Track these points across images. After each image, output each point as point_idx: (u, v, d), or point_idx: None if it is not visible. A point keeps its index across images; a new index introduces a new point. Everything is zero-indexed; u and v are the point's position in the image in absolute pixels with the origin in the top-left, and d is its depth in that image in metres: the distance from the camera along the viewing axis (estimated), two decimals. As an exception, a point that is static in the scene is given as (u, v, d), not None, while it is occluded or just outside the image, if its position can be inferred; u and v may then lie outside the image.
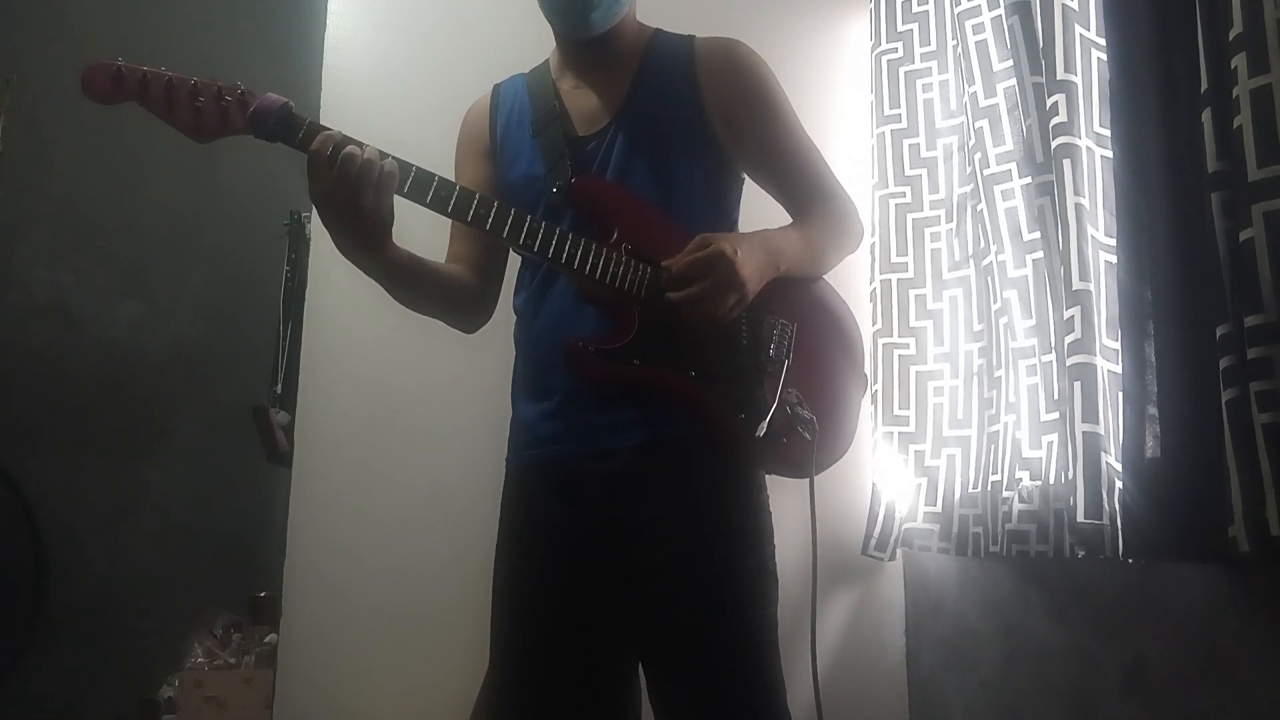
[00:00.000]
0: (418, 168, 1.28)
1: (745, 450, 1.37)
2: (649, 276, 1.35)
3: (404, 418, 2.38)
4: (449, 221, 1.42)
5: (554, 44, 1.56)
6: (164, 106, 1.21)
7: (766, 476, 1.45)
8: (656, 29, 1.55)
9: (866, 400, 2.42)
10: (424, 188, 1.27)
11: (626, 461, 1.36)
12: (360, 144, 1.22)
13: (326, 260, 2.42)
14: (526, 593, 1.41)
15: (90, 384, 3.51)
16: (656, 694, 1.35)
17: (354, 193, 1.20)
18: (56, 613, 3.35)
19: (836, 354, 1.48)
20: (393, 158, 1.25)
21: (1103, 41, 1.78)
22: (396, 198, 1.26)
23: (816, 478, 1.43)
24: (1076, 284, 1.71)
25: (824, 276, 1.53)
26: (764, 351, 1.39)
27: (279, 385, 3.17)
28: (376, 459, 2.35)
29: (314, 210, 2.05)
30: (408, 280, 1.39)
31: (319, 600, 2.29)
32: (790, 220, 1.52)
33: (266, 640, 2.81)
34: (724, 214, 1.51)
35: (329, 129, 1.23)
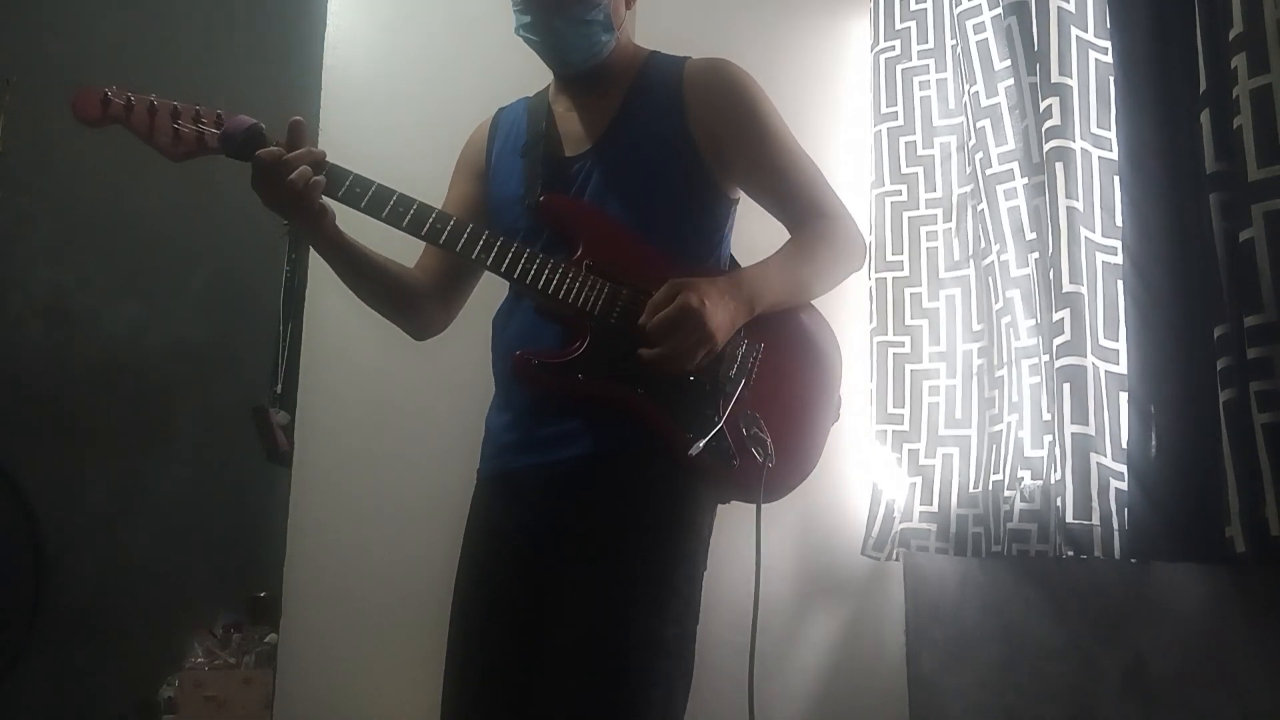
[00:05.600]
0: (378, 184, 1.34)
1: (696, 468, 1.34)
2: (606, 293, 1.36)
3: (404, 418, 2.38)
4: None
5: None
6: (145, 129, 1.32)
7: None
8: (653, 51, 1.56)
9: (869, 405, 2.42)
10: (381, 203, 1.34)
11: (569, 470, 1.37)
12: (301, 152, 1.31)
13: (326, 260, 2.42)
14: (479, 602, 1.43)
15: (90, 384, 3.50)
16: (540, 685, 1.32)
17: (280, 190, 1.31)
18: (56, 613, 3.34)
19: (806, 377, 1.45)
20: (341, 169, 1.34)
21: (1101, 43, 1.78)
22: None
23: (812, 478, 1.42)
24: (1067, 286, 1.72)
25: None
26: (723, 370, 1.37)
27: (279, 385, 3.16)
28: (376, 459, 2.36)
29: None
30: (352, 270, 1.47)
31: (319, 600, 2.29)
32: (789, 237, 1.51)
33: (266, 640, 2.81)
34: (708, 235, 1.50)
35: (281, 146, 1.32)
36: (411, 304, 1.54)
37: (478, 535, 1.47)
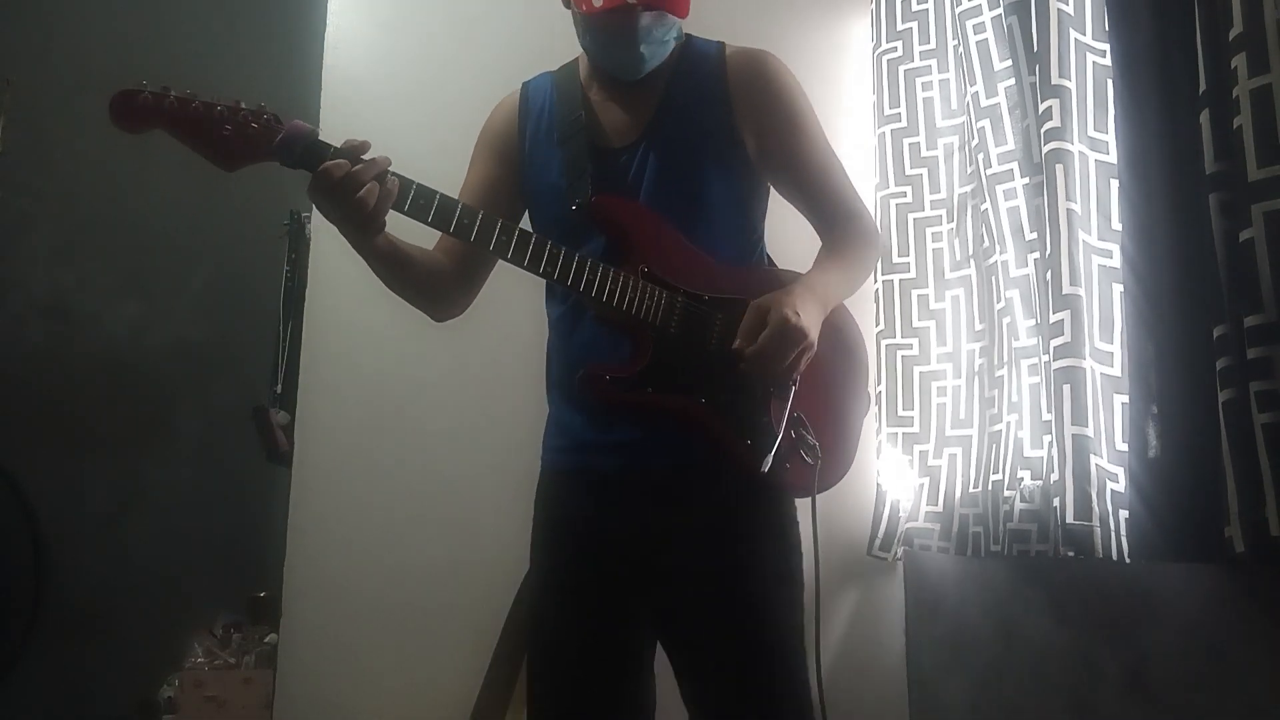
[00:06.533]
0: (440, 194, 1.31)
1: (752, 473, 1.39)
2: (664, 302, 1.37)
3: (404, 417, 2.38)
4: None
5: (573, 45, 1.54)
6: (191, 135, 1.22)
7: None
8: (688, 35, 1.54)
9: (878, 409, 2.42)
10: (448, 216, 1.30)
11: (666, 476, 1.40)
12: (365, 165, 1.25)
13: (326, 260, 2.42)
14: (558, 589, 1.45)
15: (91, 384, 3.50)
16: (690, 691, 1.40)
17: (347, 207, 1.25)
18: (56, 613, 3.34)
19: (842, 376, 1.50)
20: (404, 179, 1.28)
21: (1099, 46, 1.78)
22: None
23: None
24: (1067, 288, 1.72)
25: None
26: None
27: (279, 385, 3.16)
28: (377, 459, 2.36)
29: (314, 209, 2.05)
30: (388, 268, 1.43)
31: (319, 600, 2.29)
32: (817, 233, 1.53)
33: (266, 640, 2.81)
34: (751, 227, 1.52)
35: (344, 155, 1.25)
36: (438, 290, 1.53)
37: (557, 530, 1.48)
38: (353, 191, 1.23)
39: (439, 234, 1.41)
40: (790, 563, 1.42)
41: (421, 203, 1.29)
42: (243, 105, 1.24)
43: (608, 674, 1.42)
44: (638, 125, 1.47)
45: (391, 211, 1.30)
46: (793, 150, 1.49)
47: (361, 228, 1.29)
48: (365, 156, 1.25)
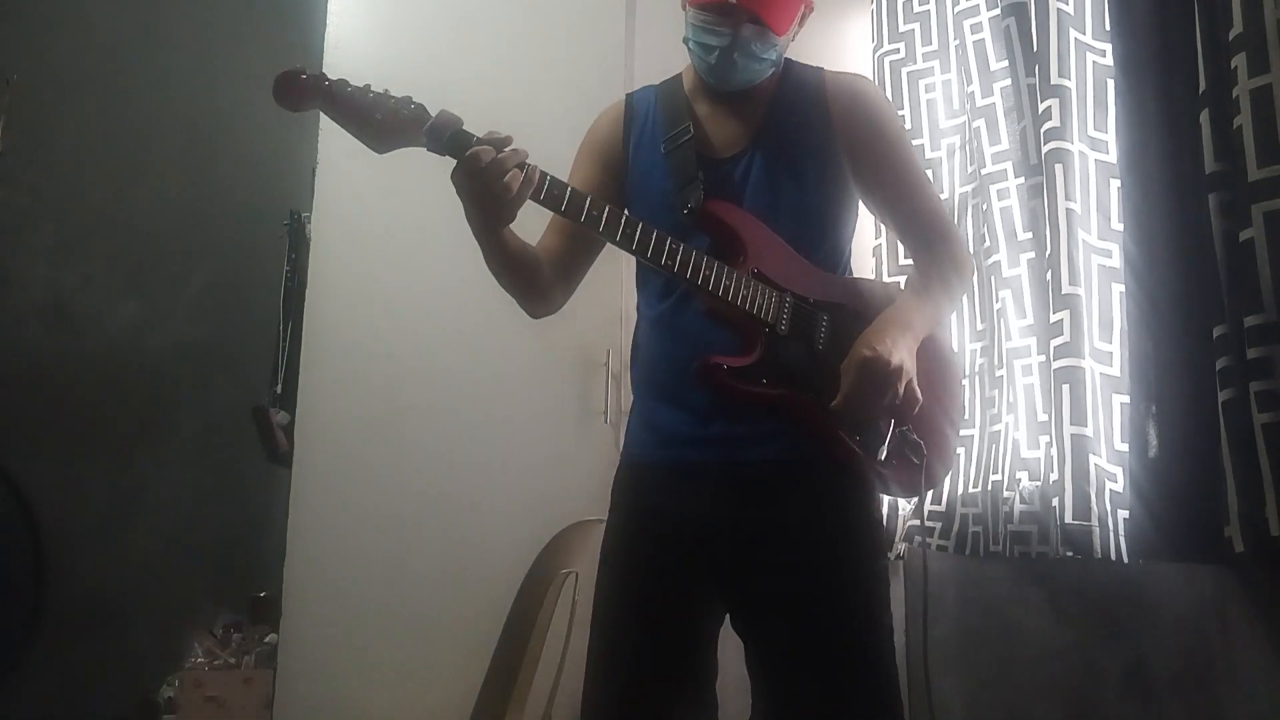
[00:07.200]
0: (571, 187, 1.35)
1: (860, 469, 1.44)
2: (775, 300, 1.42)
3: (403, 418, 2.38)
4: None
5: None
6: (348, 116, 1.30)
7: None
8: (788, 60, 1.60)
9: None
10: (579, 207, 1.35)
11: (761, 472, 1.43)
12: (509, 153, 1.30)
13: (326, 260, 2.42)
14: (633, 579, 1.47)
15: (90, 384, 3.50)
16: (775, 686, 1.41)
17: (491, 192, 1.30)
18: (56, 613, 3.34)
19: (938, 381, 1.53)
20: (541, 171, 1.34)
21: (1099, 45, 1.78)
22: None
23: None
24: (1066, 288, 1.72)
25: None
26: None
27: (279, 385, 3.17)
28: (376, 459, 2.36)
29: (314, 210, 2.06)
30: (504, 260, 1.47)
31: (319, 600, 2.29)
32: (909, 255, 1.58)
33: (266, 640, 2.81)
34: (842, 243, 1.56)
35: (488, 143, 1.31)
36: (548, 287, 1.57)
37: (643, 520, 1.49)
38: (498, 177, 1.29)
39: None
40: (880, 561, 1.45)
41: (555, 193, 1.35)
42: (391, 94, 1.32)
43: (676, 666, 1.44)
44: (742, 138, 1.52)
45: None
46: (887, 168, 1.54)
47: (499, 215, 1.34)
48: (507, 148, 1.31)
